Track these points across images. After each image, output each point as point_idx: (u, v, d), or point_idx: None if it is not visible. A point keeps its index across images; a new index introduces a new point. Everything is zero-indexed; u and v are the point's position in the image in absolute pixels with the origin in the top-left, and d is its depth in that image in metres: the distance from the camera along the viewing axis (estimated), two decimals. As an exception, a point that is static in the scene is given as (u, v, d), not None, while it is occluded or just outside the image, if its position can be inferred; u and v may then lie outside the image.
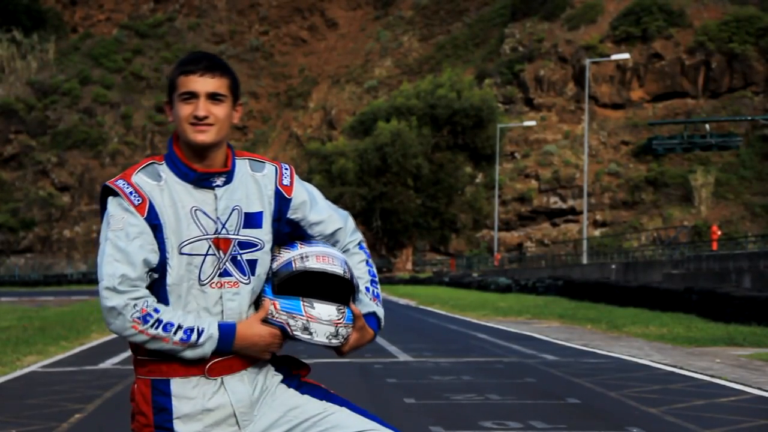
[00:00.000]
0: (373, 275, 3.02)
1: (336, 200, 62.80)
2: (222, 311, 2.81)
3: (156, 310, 2.72)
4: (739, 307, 17.99)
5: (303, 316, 2.79)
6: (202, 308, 2.80)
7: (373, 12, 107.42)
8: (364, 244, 3.06)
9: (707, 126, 70.69)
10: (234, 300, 2.82)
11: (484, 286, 41.00)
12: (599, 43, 76.81)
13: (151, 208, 2.77)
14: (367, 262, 3.02)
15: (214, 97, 2.80)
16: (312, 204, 2.96)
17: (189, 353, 2.75)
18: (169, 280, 2.78)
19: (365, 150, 63.68)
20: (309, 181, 54.21)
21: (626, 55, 53.95)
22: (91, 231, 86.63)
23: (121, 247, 2.75)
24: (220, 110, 2.80)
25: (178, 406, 2.78)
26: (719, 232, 38.67)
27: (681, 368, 11.21)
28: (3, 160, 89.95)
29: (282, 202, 2.91)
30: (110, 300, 2.72)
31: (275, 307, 2.82)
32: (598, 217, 71.56)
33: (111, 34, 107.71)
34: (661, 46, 76.26)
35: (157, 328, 2.71)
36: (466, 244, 74.76)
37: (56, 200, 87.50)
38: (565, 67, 79.39)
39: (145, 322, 2.71)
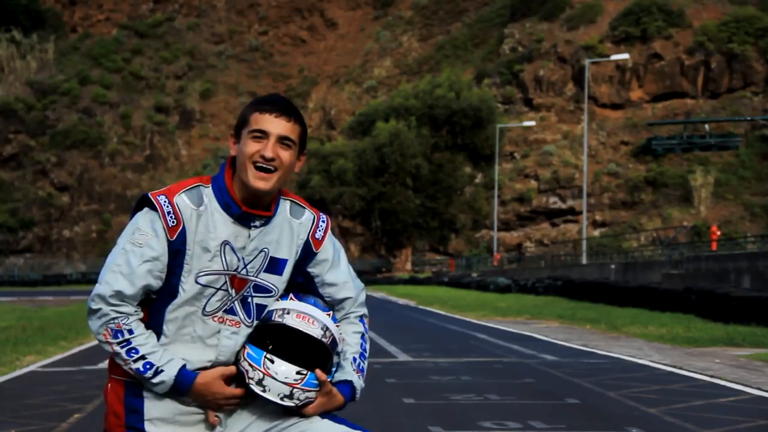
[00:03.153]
0: (364, 349, 2.98)
1: (335, 200, 62.83)
2: (217, 345, 2.82)
3: (131, 331, 2.74)
4: (738, 308, 17.99)
5: (261, 369, 2.75)
6: (197, 336, 2.80)
7: (372, 12, 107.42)
8: (366, 320, 3.03)
9: (706, 126, 70.77)
10: (231, 339, 2.82)
11: (483, 287, 40.98)
12: (598, 44, 76.81)
13: (182, 233, 2.76)
14: (362, 336, 2.99)
15: (284, 140, 2.78)
16: (333, 265, 2.95)
17: (144, 382, 2.78)
18: (175, 302, 2.79)
19: (364, 150, 63.66)
20: (308, 181, 53.77)
21: (625, 56, 53.92)
22: (90, 231, 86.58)
23: (131, 263, 2.75)
24: (286, 155, 2.78)
25: (150, 408, 2.80)
26: (718, 233, 38.65)
27: (680, 368, 11.21)
28: (2, 160, 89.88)
29: (308, 253, 2.91)
30: (96, 304, 2.77)
31: (243, 353, 2.81)
32: (598, 217, 71.56)
33: (110, 34, 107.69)
34: (661, 47, 76.27)
35: (122, 347, 2.74)
36: (466, 245, 74.75)
37: (55, 200, 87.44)
38: (565, 68, 79.39)
39: (115, 337, 2.74)
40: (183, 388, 2.75)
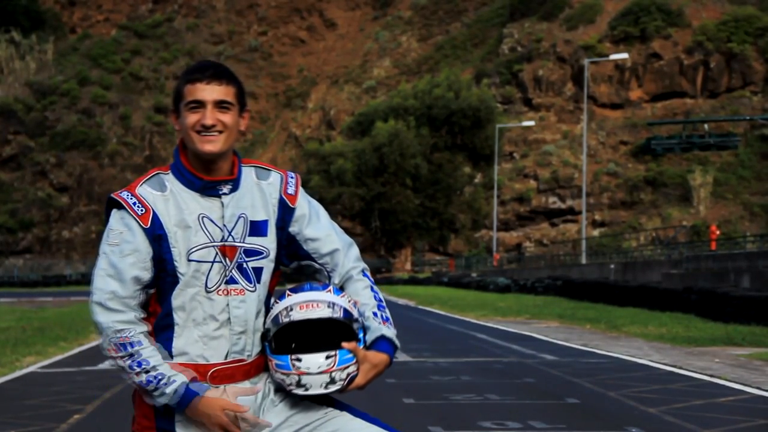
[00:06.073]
0: (380, 300, 2.96)
1: (335, 200, 62.81)
2: (229, 318, 2.82)
3: (137, 343, 2.73)
4: (737, 307, 18.00)
5: (293, 372, 2.77)
6: (208, 315, 2.81)
7: (371, 12, 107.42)
8: (368, 272, 3.02)
9: (706, 126, 70.81)
10: (240, 308, 2.83)
11: (483, 287, 41.00)
12: (598, 43, 76.83)
13: (155, 217, 2.78)
14: (371, 288, 2.97)
15: (221, 105, 2.80)
16: (311, 219, 2.94)
17: (144, 396, 2.76)
18: (178, 287, 2.79)
19: (363, 150, 63.68)
20: (308, 181, 53.84)
21: (625, 55, 53.91)
22: (90, 231, 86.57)
23: (114, 262, 2.78)
24: (227, 118, 2.81)
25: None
26: (718, 232, 38.64)
27: (680, 368, 11.21)
28: (2, 160, 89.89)
29: (285, 210, 2.92)
30: (97, 315, 2.77)
31: (272, 366, 2.82)
32: (597, 217, 71.56)
33: (110, 35, 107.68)
34: (660, 46, 76.28)
35: (127, 360, 2.73)
36: (465, 245, 74.75)
37: (55, 201, 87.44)
38: (564, 67, 79.39)
39: (119, 350, 2.73)
40: (183, 404, 2.74)
